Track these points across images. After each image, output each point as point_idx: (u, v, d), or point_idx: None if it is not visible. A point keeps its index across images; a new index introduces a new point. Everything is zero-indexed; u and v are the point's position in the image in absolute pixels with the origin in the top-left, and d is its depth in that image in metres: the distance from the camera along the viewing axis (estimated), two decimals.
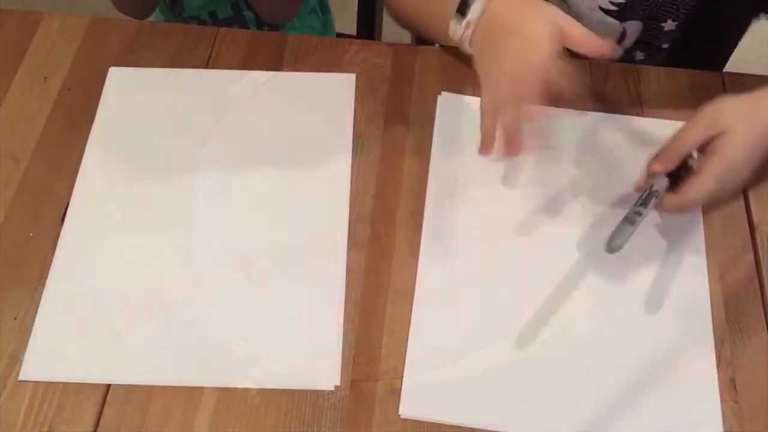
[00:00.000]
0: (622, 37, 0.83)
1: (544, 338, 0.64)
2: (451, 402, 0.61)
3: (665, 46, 0.84)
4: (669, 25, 0.81)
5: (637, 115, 0.76)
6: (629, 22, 0.81)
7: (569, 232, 0.69)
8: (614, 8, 0.79)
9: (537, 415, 0.61)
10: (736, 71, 0.79)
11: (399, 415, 0.60)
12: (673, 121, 0.75)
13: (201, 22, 1.00)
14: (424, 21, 0.76)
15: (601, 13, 0.80)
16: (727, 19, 0.80)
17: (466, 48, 0.66)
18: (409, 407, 0.61)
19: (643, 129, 0.75)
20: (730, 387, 0.62)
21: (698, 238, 0.69)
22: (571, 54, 0.88)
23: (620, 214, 0.70)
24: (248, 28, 1.01)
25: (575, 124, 0.76)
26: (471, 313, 0.65)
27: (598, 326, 0.64)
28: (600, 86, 0.78)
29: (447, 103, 0.77)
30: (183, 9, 0.99)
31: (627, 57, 0.88)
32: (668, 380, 0.62)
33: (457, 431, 0.60)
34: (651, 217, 0.69)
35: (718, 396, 0.61)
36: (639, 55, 0.88)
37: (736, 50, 0.89)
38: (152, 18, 1.04)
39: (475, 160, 0.72)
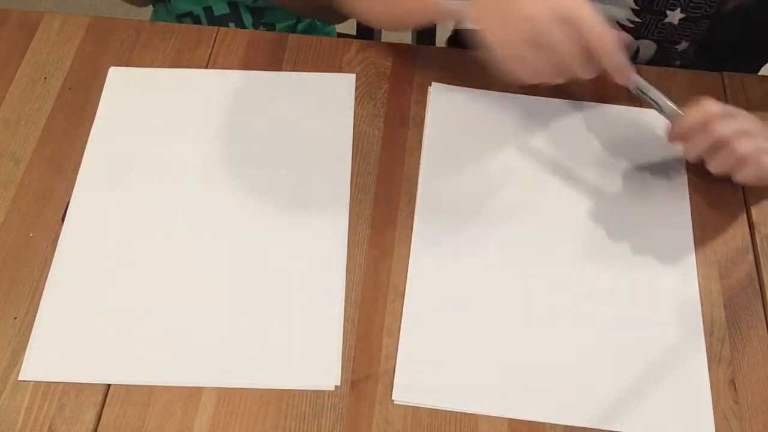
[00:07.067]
0: (636, 53, 0.84)
1: (534, 332, 0.64)
2: (445, 387, 0.61)
3: (678, 63, 0.85)
4: (683, 46, 0.81)
5: None
6: (643, 41, 0.81)
7: (561, 229, 0.69)
8: (630, 25, 0.80)
9: (527, 405, 0.61)
10: None
11: (398, 415, 0.60)
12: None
13: (195, 17, 1.00)
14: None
15: (619, 28, 0.81)
16: (743, 40, 0.80)
17: (465, 13, 0.62)
18: (402, 393, 0.61)
19: (641, 120, 0.76)
20: (730, 387, 0.62)
21: (687, 235, 0.69)
22: None
23: (616, 208, 0.70)
24: (244, 25, 1.01)
25: (570, 114, 0.76)
26: (463, 303, 0.65)
27: (588, 321, 0.64)
28: (600, 86, 0.78)
29: (438, 93, 0.77)
30: (170, 3, 0.99)
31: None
32: (660, 381, 0.62)
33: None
34: (639, 215, 0.69)
35: (710, 397, 0.61)
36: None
37: None
38: (151, 17, 1.04)
39: (468, 154, 0.73)
